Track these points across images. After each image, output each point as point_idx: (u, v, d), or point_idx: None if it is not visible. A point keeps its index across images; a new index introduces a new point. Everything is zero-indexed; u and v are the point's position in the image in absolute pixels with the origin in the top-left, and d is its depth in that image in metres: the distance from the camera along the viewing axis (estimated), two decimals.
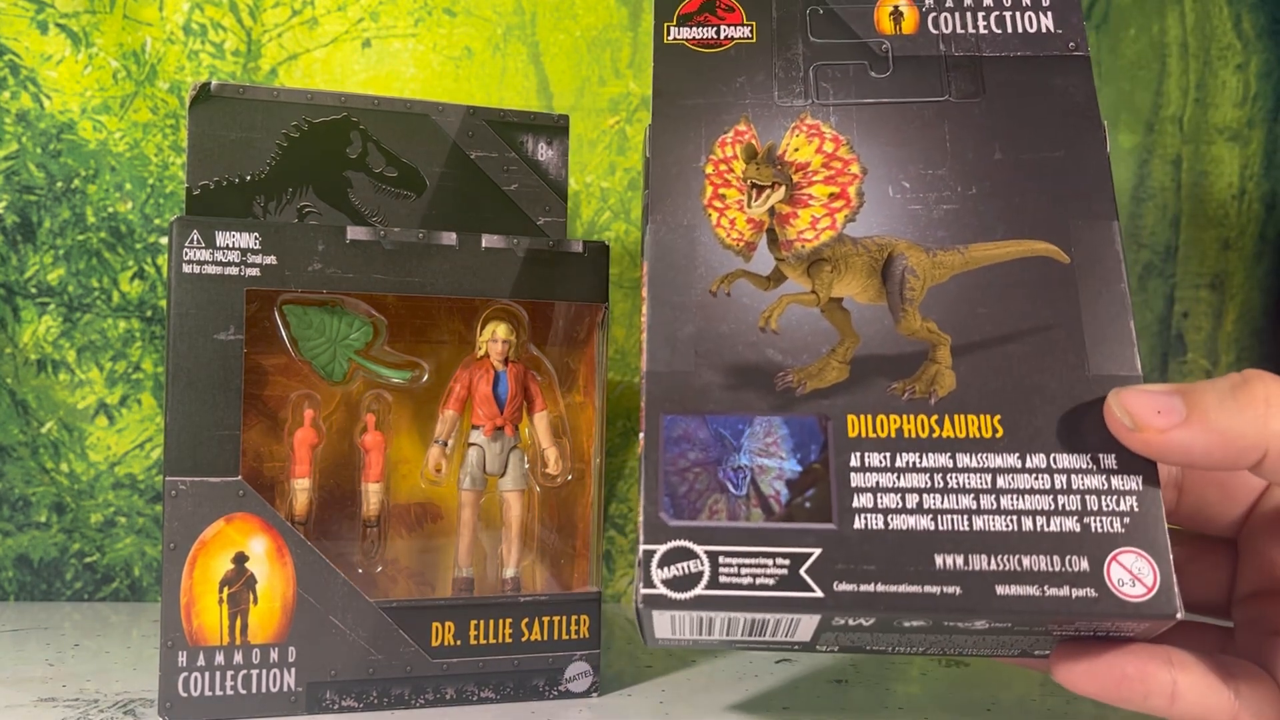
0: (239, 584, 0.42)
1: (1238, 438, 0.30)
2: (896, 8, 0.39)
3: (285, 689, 0.43)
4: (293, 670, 0.43)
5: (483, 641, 0.45)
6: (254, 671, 0.42)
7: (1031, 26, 0.38)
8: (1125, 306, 0.34)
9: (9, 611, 0.62)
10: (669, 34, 0.39)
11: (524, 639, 0.46)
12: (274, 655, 0.43)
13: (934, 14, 0.39)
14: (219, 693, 0.42)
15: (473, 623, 0.45)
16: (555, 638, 0.46)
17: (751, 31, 0.39)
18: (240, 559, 0.42)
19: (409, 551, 0.49)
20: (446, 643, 0.45)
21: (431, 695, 0.45)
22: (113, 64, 0.64)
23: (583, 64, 0.69)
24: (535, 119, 0.49)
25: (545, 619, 0.46)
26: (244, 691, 0.42)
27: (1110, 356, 0.33)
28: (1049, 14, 0.38)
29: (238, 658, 0.42)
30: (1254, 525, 0.36)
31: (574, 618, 0.47)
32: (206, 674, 0.42)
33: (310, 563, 0.43)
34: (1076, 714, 0.45)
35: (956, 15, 0.39)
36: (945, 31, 0.39)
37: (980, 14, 0.39)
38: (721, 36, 0.39)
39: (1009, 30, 0.38)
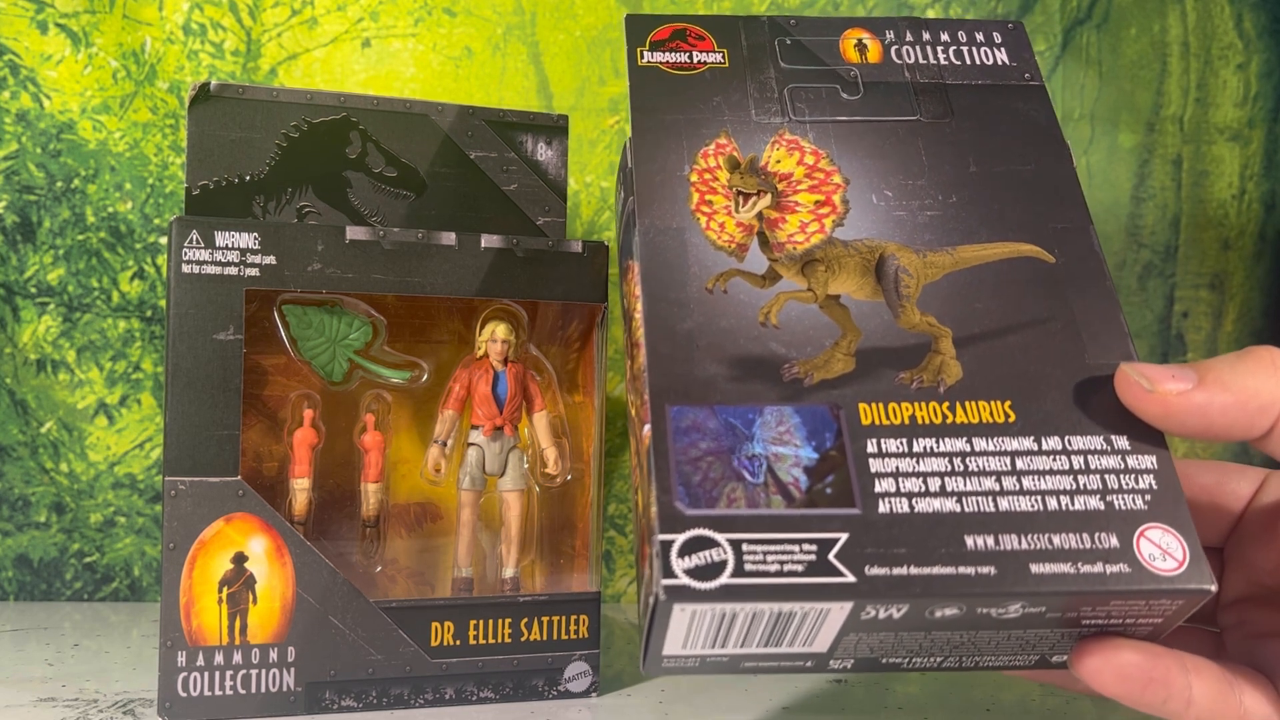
0: (238, 584, 0.42)
1: (1253, 396, 0.30)
2: (860, 40, 0.41)
3: (284, 689, 0.43)
4: (292, 670, 0.43)
5: (482, 641, 0.45)
6: (253, 671, 0.42)
7: (988, 59, 0.41)
8: (1114, 301, 0.35)
9: (9, 611, 0.62)
10: (642, 57, 0.40)
11: (523, 639, 0.46)
12: (273, 655, 0.43)
13: (896, 46, 0.41)
14: (218, 692, 0.42)
15: (472, 623, 0.45)
16: (554, 638, 0.46)
17: (724, 57, 0.40)
18: (239, 559, 0.42)
19: (408, 551, 0.49)
20: (446, 643, 0.45)
21: (431, 695, 0.45)
22: (112, 64, 0.64)
23: (583, 64, 0.68)
24: (535, 119, 0.49)
25: (544, 619, 0.46)
26: (243, 691, 0.42)
27: (1107, 347, 0.34)
28: (1002, 49, 0.41)
29: (237, 658, 0.42)
30: (1241, 533, 0.36)
31: (573, 618, 0.47)
32: (206, 674, 0.42)
33: (310, 563, 0.43)
34: (1076, 714, 0.45)
35: (917, 48, 0.41)
36: (909, 61, 0.41)
37: (939, 48, 0.41)
38: (695, 61, 0.40)
39: (968, 62, 0.41)
